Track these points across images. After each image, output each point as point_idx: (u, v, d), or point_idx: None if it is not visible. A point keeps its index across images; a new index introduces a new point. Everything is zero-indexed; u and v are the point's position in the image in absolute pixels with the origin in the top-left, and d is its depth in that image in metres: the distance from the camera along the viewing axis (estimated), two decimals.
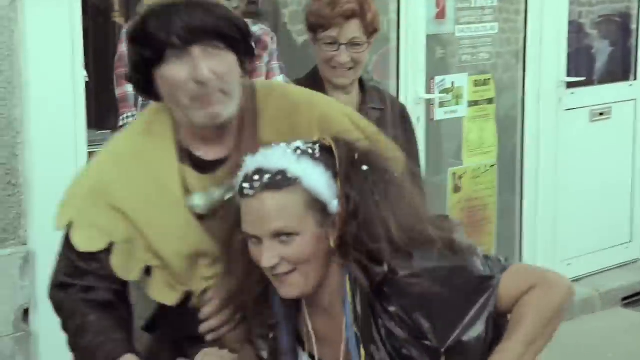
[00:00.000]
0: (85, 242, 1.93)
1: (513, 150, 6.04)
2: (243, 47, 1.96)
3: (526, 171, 6.07)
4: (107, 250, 1.94)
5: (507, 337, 1.93)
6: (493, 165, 5.77)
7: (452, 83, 5.43)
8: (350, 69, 3.50)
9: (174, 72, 1.85)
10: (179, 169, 1.97)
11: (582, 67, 6.64)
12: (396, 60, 5.31)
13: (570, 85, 6.11)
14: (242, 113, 1.97)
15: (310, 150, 1.92)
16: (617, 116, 6.57)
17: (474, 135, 5.66)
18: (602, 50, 7.14)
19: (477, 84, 5.63)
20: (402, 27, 5.25)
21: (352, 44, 3.49)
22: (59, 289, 2.03)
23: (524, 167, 6.08)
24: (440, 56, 5.67)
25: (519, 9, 6.04)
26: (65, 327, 2.02)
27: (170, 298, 1.99)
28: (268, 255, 1.86)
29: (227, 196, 1.96)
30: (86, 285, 1.98)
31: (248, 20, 3.26)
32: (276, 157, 1.91)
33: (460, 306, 1.91)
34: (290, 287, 1.90)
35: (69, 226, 1.95)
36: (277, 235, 1.85)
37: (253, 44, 3.44)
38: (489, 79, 5.72)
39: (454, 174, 5.52)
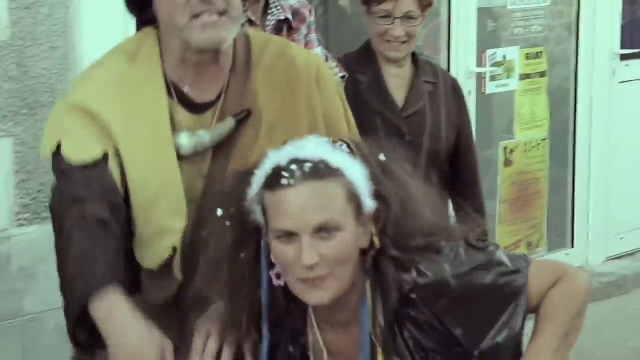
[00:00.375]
0: (79, 153, 1.82)
1: (565, 123, 6.01)
2: None
3: (579, 145, 6.06)
4: (104, 161, 1.83)
5: (541, 331, 1.91)
6: (545, 139, 5.76)
7: (504, 56, 5.46)
8: (404, 42, 3.49)
9: None
10: (168, 104, 1.89)
11: (636, 39, 6.50)
12: (447, 34, 5.31)
13: (624, 57, 6.09)
14: (236, 58, 1.92)
15: (340, 145, 1.87)
16: None
17: (525, 109, 5.67)
18: None
19: (529, 57, 5.65)
20: (453, 0, 5.25)
21: (407, 17, 3.47)
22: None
23: (577, 141, 6.05)
24: (491, 29, 5.65)
25: None
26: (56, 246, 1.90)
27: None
28: (310, 253, 1.74)
29: (215, 141, 1.93)
30: (80, 196, 1.84)
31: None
32: (312, 147, 1.82)
33: (495, 307, 1.88)
34: (325, 292, 1.79)
35: (58, 147, 1.84)
36: (319, 230, 1.74)
37: (290, 15, 3.42)
38: (541, 52, 5.73)
39: (505, 148, 5.53)
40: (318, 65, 2.10)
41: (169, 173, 1.88)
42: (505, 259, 1.91)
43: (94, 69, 1.99)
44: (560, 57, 6.07)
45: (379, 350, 1.88)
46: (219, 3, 1.77)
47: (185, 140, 1.86)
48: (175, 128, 1.87)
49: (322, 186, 1.73)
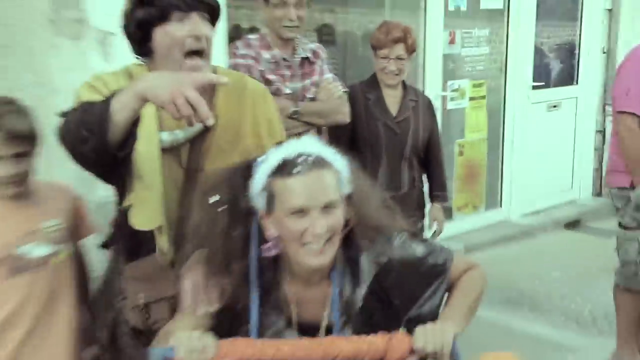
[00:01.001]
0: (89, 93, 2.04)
1: (497, 129, 7.17)
2: (214, 24, 2.16)
3: (506, 142, 7.29)
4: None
5: (456, 299, 2.08)
6: (484, 139, 7.00)
7: (459, 85, 6.62)
8: (396, 74, 4.12)
9: (176, 29, 2.01)
10: (156, 109, 2.05)
11: (542, 76, 7.74)
12: (423, 70, 6.35)
13: (535, 87, 7.38)
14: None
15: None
16: (564, 107, 7.88)
17: (472, 120, 6.83)
18: (555, 66, 8.15)
19: (474, 86, 6.83)
20: (427, 48, 6.29)
21: (398, 58, 4.10)
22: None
23: (504, 140, 7.28)
24: (451, 67, 6.67)
25: (502, 39, 7.19)
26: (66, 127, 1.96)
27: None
28: (321, 223, 1.87)
29: (188, 139, 2.15)
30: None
31: (304, 39, 3.82)
32: (310, 144, 1.97)
33: (423, 283, 2.06)
34: (324, 256, 1.91)
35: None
36: (327, 206, 1.88)
37: (310, 54, 3.64)
38: (482, 83, 6.91)
39: (459, 144, 6.73)
40: (264, 88, 2.42)
41: (152, 155, 2.08)
42: (437, 247, 2.12)
43: (104, 74, 2.17)
44: (495, 87, 7.16)
45: (343, 300, 2.01)
46: (203, 42, 2.05)
47: (165, 137, 2.10)
48: (162, 127, 2.11)
49: (323, 173, 1.88)
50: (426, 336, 1.82)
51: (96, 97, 1.93)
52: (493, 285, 3.06)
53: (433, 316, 2.03)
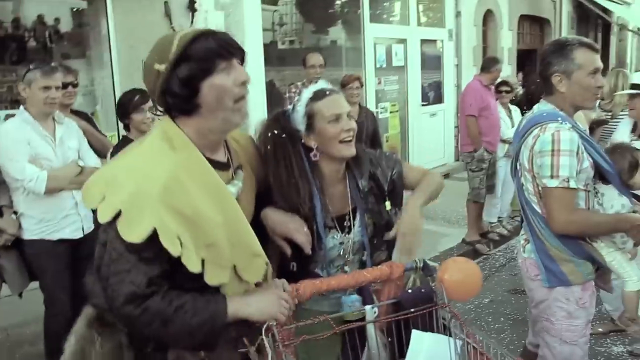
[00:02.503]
0: (174, 249, 1.45)
1: (404, 127, 8.92)
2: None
3: (409, 135, 9.08)
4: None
5: (419, 190, 2.14)
6: (398, 133, 8.75)
7: (384, 105, 8.46)
8: (356, 98, 5.03)
9: (223, 79, 1.55)
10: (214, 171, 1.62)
11: (425, 98, 9.47)
12: (366, 97, 7.80)
13: (422, 105, 9.26)
14: None
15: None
16: (439, 115, 9.76)
17: (392, 123, 8.57)
18: (432, 93, 9.80)
19: (392, 105, 8.62)
20: (367, 86, 7.76)
21: (357, 89, 5.10)
22: (131, 303, 1.47)
23: (408, 133, 9.05)
24: (380, 96, 8.39)
25: (404, 80, 8.94)
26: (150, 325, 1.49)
27: (224, 276, 1.57)
28: (349, 122, 1.98)
29: (241, 187, 1.71)
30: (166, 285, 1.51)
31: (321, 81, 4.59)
32: (325, 83, 2.08)
33: (388, 172, 2.14)
34: (353, 148, 2.01)
35: (152, 231, 1.44)
36: (348, 114, 2.01)
37: None
38: (395, 104, 8.74)
39: (386, 136, 8.22)
40: (248, 136, 1.99)
41: (237, 215, 1.61)
42: (397, 155, 2.27)
43: (149, 164, 1.53)
44: (402, 105, 8.84)
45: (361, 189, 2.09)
46: (247, 88, 1.63)
47: (233, 190, 1.68)
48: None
49: (340, 95, 2.06)
50: (403, 252, 1.98)
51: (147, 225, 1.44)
52: None
53: (401, 189, 2.15)
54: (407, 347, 1.87)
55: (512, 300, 4.95)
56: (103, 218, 1.48)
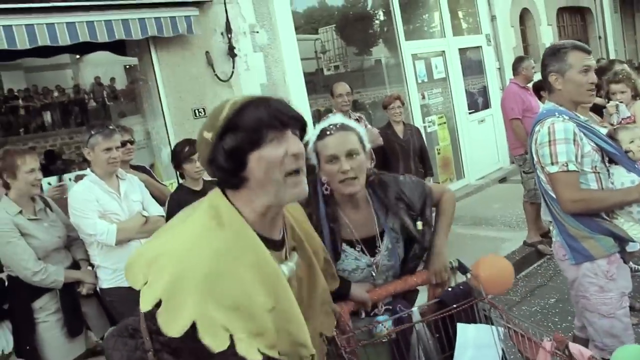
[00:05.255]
0: (216, 343, 1.25)
1: (454, 138, 8.86)
2: (302, 138, 1.50)
3: (461, 144, 9.00)
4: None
5: (441, 230, 2.28)
6: (449, 144, 8.74)
7: (431, 119, 8.46)
8: (399, 117, 5.45)
9: (272, 151, 1.38)
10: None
11: (472, 106, 9.39)
12: (411, 114, 8.06)
13: (470, 112, 9.17)
14: None
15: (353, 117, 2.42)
16: (487, 121, 9.64)
17: (441, 135, 8.55)
18: (478, 99, 9.81)
19: (439, 118, 8.64)
20: (411, 102, 8.04)
21: (398, 107, 5.47)
22: None
23: (459, 143, 8.98)
24: (425, 111, 8.41)
25: (447, 91, 8.87)
26: None
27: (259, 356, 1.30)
28: (346, 164, 1.98)
29: (294, 269, 1.49)
30: None
31: (352, 112, 4.80)
32: (338, 118, 2.10)
33: (420, 199, 2.22)
34: (354, 186, 2.04)
35: (191, 326, 1.25)
36: (349, 154, 2.00)
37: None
38: (442, 116, 8.73)
39: (437, 149, 8.33)
40: (301, 208, 1.71)
41: (288, 300, 1.41)
42: (416, 178, 2.32)
43: (193, 244, 1.33)
44: (449, 116, 8.88)
45: (384, 214, 2.15)
46: (300, 161, 1.44)
47: (286, 271, 1.47)
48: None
49: (347, 133, 2.06)
50: (436, 272, 2.14)
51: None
52: (465, 214, 4.64)
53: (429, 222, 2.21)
54: (455, 341, 2.01)
55: None
56: (145, 307, 1.29)
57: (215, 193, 1.48)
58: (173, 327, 1.26)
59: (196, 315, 1.26)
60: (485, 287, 2.08)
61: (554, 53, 2.79)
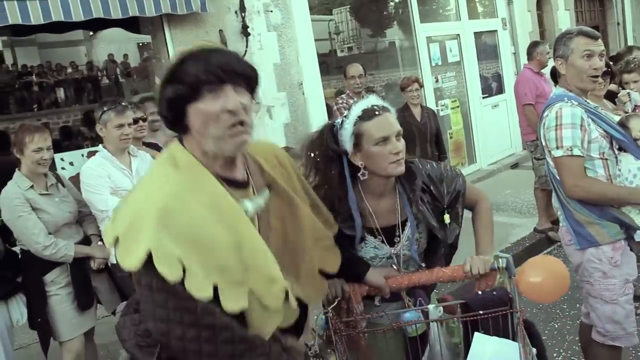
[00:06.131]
0: (172, 272, 1.29)
1: (467, 122, 8.83)
2: (254, 90, 1.51)
3: (474, 128, 8.96)
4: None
5: (484, 238, 2.09)
6: (461, 128, 8.70)
7: (444, 102, 8.41)
8: (417, 100, 5.32)
9: (208, 105, 1.41)
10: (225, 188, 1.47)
11: (486, 90, 9.32)
12: (425, 97, 7.76)
13: (483, 97, 9.09)
14: None
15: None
16: (501, 106, 9.54)
17: (454, 119, 8.55)
18: (492, 84, 9.65)
19: (452, 102, 8.59)
20: (425, 85, 7.62)
21: (416, 91, 5.30)
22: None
23: (472, 127, 8.96)
24: (439, 94, 8.36)
25: (462, 75, 8.86)
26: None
27: (242, 301, 1.36)
28: (398, 144, 1.91)
29: (263, 204, 1.53)
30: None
31: (365, 94, 4.20)
32: (373, 99, 2.02)
33: (452, 189, 2.12)
34: (402, 167, 1.96)
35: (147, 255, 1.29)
36: (399, 134, 1.95)
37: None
38: (455, 100, 8.68)
39: (449, 132, 8.30)
40: (285, 153, 1.78)
41: (251, 235, 1.43)
42: (458, 171, 2.22)
43: (150, 186, 1.42)
44: (462, 100, 8.78)
45: (412, 205, 2.03)
46: (241, 114, 1.44)
47: (249, 207, 1.50)
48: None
49: (389, 114, 1.99)
50: (472, 263, 1.89)
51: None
52: None
53: (457, 217, 2.11)
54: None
55: None
56: (107, 245, 1.38)
57: (173, 143, 1.54)
58: (130, 259, 1.31)
59: (151, 245, 1.30)
60: (529, 294, 1.80)
61: (561, 38, 2.82)
